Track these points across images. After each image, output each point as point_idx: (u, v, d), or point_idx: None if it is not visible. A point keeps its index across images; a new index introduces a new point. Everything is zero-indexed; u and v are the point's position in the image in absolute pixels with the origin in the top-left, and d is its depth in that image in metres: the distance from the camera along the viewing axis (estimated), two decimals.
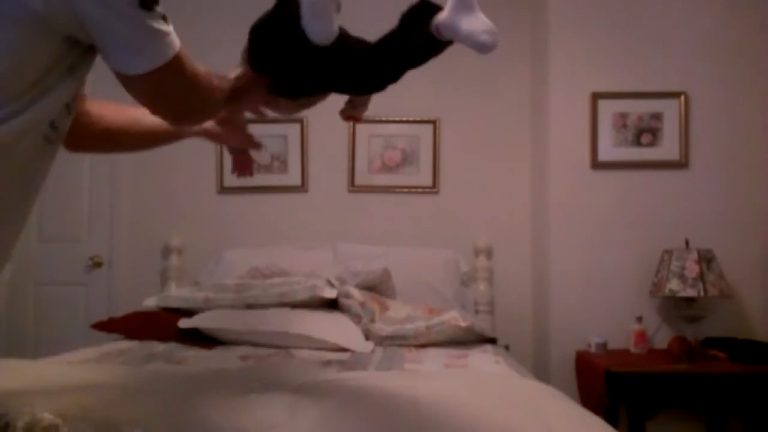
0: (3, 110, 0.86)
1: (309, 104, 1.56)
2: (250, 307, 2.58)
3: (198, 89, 1.09)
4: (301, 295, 2.56)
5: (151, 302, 2.81)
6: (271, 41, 1.34)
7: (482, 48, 1.26)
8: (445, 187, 3.44)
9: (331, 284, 2.56)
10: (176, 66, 1.00)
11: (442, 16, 1.30)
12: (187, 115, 1.18)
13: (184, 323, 2.53)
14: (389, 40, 1.39)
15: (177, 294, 2.82)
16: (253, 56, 1.38)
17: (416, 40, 1.36)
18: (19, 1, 0.84)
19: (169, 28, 0.96)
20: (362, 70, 1.40)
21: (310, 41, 1.25)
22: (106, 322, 2.67)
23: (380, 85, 1.46)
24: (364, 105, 1.68)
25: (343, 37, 1.33)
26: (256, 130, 3.38)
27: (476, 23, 1.26)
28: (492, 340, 2.68)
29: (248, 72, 1.38)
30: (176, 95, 1.05)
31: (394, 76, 1.43)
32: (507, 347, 2.84)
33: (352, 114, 1.67)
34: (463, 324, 2.55)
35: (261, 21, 1.35)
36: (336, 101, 1.52)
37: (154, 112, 1.10)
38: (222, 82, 1.23)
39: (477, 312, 3.18)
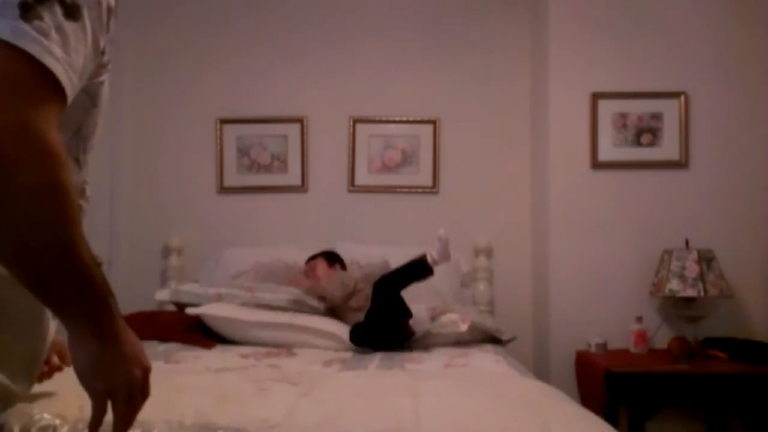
0: None
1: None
2: (259, 307, 2.61)
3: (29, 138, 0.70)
4: (311, 302, 2.61)
5: (164, 296, 2.81)
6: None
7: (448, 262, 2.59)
8: (445, 187, 3.44)
9: None
10: (24, 71, 0.71)
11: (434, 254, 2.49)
12: None
13: (191, 311, 2.56)
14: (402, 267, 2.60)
15: (189, 289, 2.80)
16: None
17: (417, 266, 2.53)
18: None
19: (50, 43, 0.73)
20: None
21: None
22: None
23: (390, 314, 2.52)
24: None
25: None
26: (256, 129, 3.44)
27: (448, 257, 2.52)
28: (497, 340, 2.67)
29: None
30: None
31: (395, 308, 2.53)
32: (514, 338, 2.78)
33: None
34: (463, 328, 2.56)
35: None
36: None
37: None
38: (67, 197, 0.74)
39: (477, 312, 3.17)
